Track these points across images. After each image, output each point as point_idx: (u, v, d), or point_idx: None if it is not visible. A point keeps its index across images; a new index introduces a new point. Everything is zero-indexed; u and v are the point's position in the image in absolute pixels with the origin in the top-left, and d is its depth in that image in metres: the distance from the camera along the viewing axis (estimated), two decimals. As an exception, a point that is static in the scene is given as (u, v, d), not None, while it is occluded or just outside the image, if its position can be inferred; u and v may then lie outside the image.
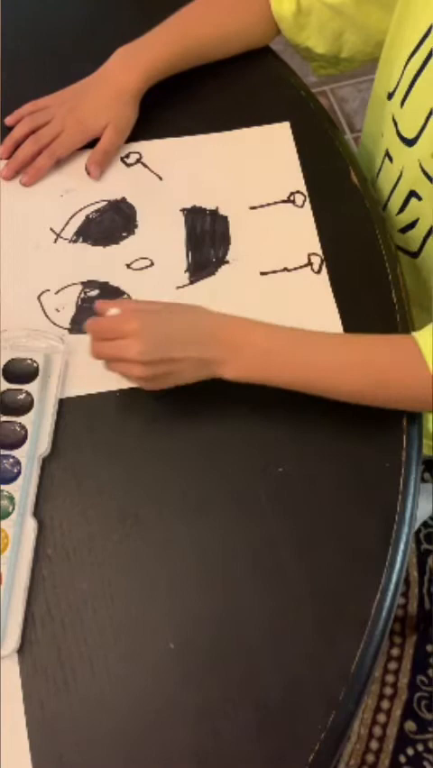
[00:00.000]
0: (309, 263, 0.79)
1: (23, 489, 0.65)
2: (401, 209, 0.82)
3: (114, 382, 0.71)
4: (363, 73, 1.88)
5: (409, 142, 0.76)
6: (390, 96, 0.78)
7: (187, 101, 0.88)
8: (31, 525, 0.64)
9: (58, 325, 0.75)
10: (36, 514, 0.65)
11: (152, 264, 0.79)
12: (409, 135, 0.76)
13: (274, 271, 0.78)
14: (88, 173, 0.83)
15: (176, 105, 0.88)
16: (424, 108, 0.72)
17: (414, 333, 0.66)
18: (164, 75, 0.85)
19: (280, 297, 0.77)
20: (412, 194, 0.78)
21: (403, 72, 0.74)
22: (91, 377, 0.72)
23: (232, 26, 0.88)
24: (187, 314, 0.67)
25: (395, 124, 0.78)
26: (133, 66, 0.83)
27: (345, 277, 0.78)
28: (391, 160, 0.82)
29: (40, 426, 0.68)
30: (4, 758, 0.57)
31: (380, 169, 0.86)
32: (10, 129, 0.85)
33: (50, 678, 0.60)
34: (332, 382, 0.67)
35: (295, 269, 0.78)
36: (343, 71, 0.93)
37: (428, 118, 0.71)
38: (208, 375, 0.67)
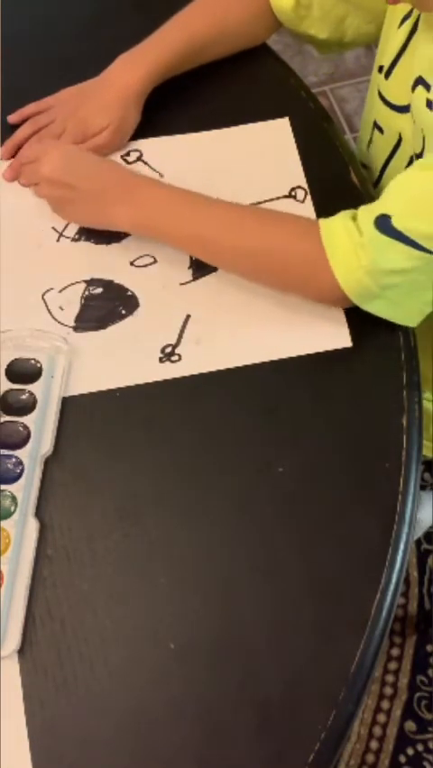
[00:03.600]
0: None
1: (26, 490, 0.65)
2: None
3: (114, 381, 0.71)
4: (364, 73, 1.88)
5: (401, 109, 0.78)
6: (379, 69, 0.80)
7: (186, 102, 0.88)
8: (33, 526, 0.64)
9: (62, 323, 0.75)
10: (37, 511, 0.65)
11: (155, 261, 0.79)
12: (401, 102, 0.77)
13: None
14: None
15: (176, 105, 0.88)
16: (412, 74, 0.73)
17: (320, 220, 0.70)
18: (166, 76, 0.85)
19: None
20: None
21: (391, 45, 0.76)
22: (92, 375, 0.72)
23: (232, 24, 0.88)
24: (97, 157, 0.79)
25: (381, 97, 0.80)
26: (134, 69, 0.83)
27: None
28: (381, 131, 0.83)
29: (42, 426, 0.68)
30: (4, 758, 0.57)
31: (370, 142, 0.88)
32: (11, 128, 0.85)
33: (50, 678, 0.60)
34: (223, 242, 0.73)
35: None
36: (345, 51, 0.93)
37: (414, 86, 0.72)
38: (104, 217, 0.76)
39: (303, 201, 0.82)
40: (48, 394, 0.70)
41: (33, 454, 0.67)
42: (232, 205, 0.74)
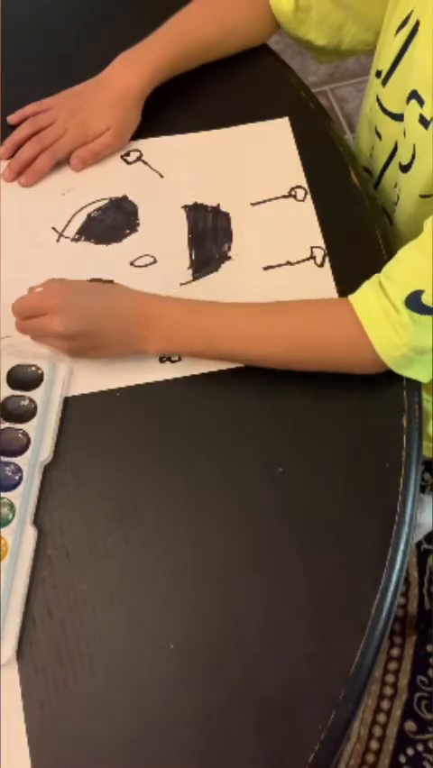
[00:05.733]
0: (312, 257, 0.79)
1: (24, 497, 0.65)
2: (396, 184, 0.84)
3: (114, 381, 0.71)
4: (363, 73, 1.88)
5: (398, 117, 0.78)
6: (378, 74, 0.81)
7: (187, 102, 0.88)
8: (30, 533, 0.64)
9: None
10: (36, 515, 0.65)
11: (155, 261, 0.79)
12: (397, 110, 0.78)
13: (277, 266, 0.79)
14: (69, 164, 0.83)
15: (176, 105, 0.88)
16: (407, 86, 0.73)
17: (351, 298, 0.69)
18: (167, 76, 0.85)
19: (283, 292, 0.76)
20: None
21: (388, 52, 0.77)
22: (92, 376, 0.72)
23: (232, 24, 0.88)
24: (104, 291, 0.73)
25: (379, 102, 0.80)
26: (135, 69, 0.83)
27: (345, 277, 0.78)
28: (379, 137, 0.84)
29: (42, 434, 0.68)
30: (4, 758, 0.57)
31: (372, 148, 0.88)
32: (11, 128, 0.85)
33: (50, 678, 0.60)
34: (254, 345, 0.70)
35: (298, 262, 0.79)
36: (344, 59, 0.94)
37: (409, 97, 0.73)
38: (132, 351, 0.71)
39: (303, 200, 0.82)
40: (48, 401, 0.69)
41: (33, 461, 0.67)
42: (253, 305, 0.71)
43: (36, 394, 0.69)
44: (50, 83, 0.87)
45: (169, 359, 0.73)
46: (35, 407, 0.69)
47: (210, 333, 0.70)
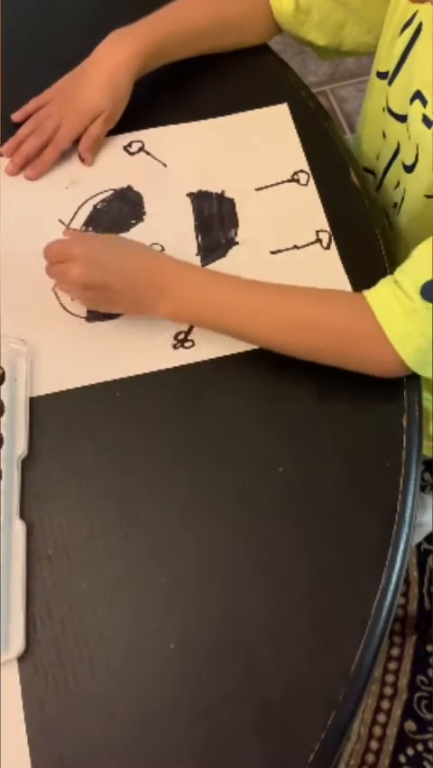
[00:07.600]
0: (318, 240, 0.79)
1: (6, 493, 0.65)
2: (398, 184, 0.84)
3: (131, 368, 0.72)
4: (364, 73, 1.88)
5: (401, 118, 0.78)
6: (379, 75, 0.81)
7: (187, 101, 0.89)
8: (19, 528, 0.64)
9: (74, 314, 0.75)
10: (36, 515, 0.65)
11: (163, 249, 0.79)
12: (401, 111, 0.78)
13: (284, 250, 0.79)
14: (82, 160, 0.84)
15: (176, 104, 0.88)
16: (411, 87, 0.73)
17: (364, 292, 0.68)
18: (158, 60, 0.85)
19: (291, 275, 0.77)
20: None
21: (391, 53, 0.77)
22: (106, 365, 0.72)
23: (229, 17, 0.88)
24: (124, 249, 0.74)
25: (386, 101, 0.80)
26: (125, 47, 0.83)
27: (346, 274, 0.78)
28: (384, 137, 0.84)
29: (14, 429, 0.68)
30: (4, 758, 0.57)
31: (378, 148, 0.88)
32: (12, 126, 0.86)
33: (50, 678, 0.60)
34: (264, 326, 0.70)
35: (304, 246, 0.79)
36: (345, 58, 0.94)
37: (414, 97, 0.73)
38: (143, 313, 0.73)
39: (306, 184, 0.83)
40: (14, 397, 0.70)
41: (9, 458, 0.67)
42: (268, 285, 0.70)
43: (1, 392, 0.69)
44: (50, 83, 0.87)
45: (182, 345, 0.73)
46: (2, 405, 0.69)
47: (221, 309, 0.70)
